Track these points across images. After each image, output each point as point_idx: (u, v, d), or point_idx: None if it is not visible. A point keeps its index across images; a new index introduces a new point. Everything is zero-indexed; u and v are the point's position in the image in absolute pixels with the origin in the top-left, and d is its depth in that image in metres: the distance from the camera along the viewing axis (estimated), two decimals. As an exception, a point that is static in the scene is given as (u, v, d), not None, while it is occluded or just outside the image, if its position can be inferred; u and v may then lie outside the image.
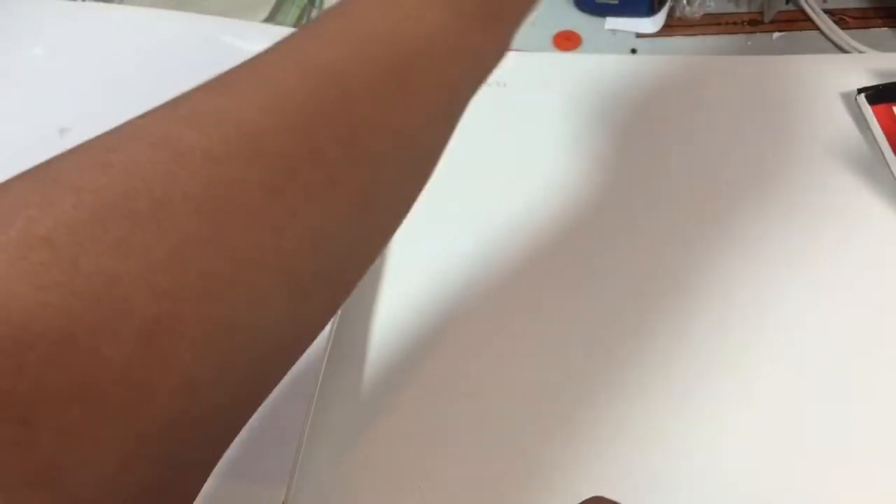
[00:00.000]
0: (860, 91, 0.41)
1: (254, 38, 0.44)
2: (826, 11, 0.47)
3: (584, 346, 0.35)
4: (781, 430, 0.32)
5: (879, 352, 0.34)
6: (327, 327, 0.33)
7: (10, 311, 0.15)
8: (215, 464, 0.19)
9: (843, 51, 0.45)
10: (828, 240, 0.37)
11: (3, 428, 0.14)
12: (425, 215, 0.39)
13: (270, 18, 0.49)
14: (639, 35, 0.47)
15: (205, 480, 0.19)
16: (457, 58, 0.24)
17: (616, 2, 0.47)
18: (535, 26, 0.48)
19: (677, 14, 0.47)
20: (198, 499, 0.30)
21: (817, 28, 0.47)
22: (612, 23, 0.48)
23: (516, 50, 0.47)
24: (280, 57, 0.21)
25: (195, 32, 0.45)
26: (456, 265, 0.37)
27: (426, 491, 0.31)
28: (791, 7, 0.48)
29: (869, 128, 0.41)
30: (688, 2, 0.47)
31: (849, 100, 0.42)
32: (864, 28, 0.46)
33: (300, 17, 0.50)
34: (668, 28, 0.47)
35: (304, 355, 0.32)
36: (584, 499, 0.21)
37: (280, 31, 0.45)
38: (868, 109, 0.41)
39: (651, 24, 0.48)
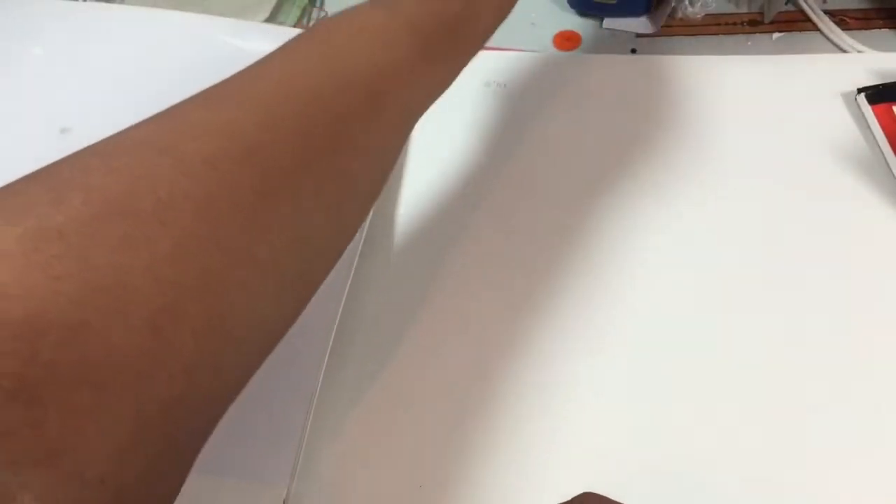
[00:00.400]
0: (860, 91, 0.41)
1: (254, 38, 0.45)
2: (826, 12, 0.47)
3: (585, 346, 0.35)
4: (781, 431, 0.32)
5: (880, 351, 0.34)
6: (329, 327, 0.33)
7: (27, 299, 0.16)
8: (199, 451, 0.21)
9: (842, 51, 0.46)
10: (828, 239, 0.37)
11: (14, 409, 0.15)
12: (425, 215, 0.39)
13: (271, 18, 0.49)
14: (638, 35, 0.47)
15: (191, 467, 0.20)
16: (421, 84, 0.27)
17: (614, 1, 0.47)
18: (535, 26, 0.48)
19: (678, 14, 0.47)
20: (199, 498, 0.30)
21: (817, 28, 0.47)
22: (611, 23, 0.48)
23: (516, 50, 0.47)
24: (272, 77, 0.24)
25: (195, 32, 0.45)
26: (456, 265, 0.38)
27: (427, 490, 0.31)
28: (791, 7, 0.48)
29: (869, 127, 0.41)
30: (689, 2, 0.47)
31: (849, 99, 0.42)
32: (864, 29, 0.47)
33: (301, 17, 0.50)
34: (668, 28, 0.47)
35: (305, 355, 0.33)
36: (576, 494, 0.22)
37: (280, 31, 0.45)
38: (868, 109, 0.41)
39: (650, 23, 0.48)
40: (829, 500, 0.30)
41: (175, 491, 0.20)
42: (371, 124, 0.25)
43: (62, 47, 0.44)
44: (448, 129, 0.43)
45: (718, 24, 0.48)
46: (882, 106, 0.41)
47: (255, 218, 0.21)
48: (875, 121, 0.40)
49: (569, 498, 0.22)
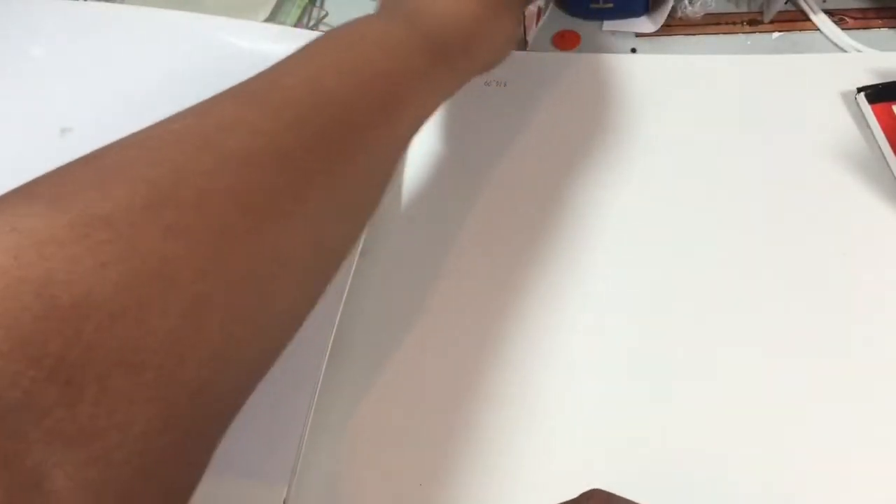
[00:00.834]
0: (860, 90, 0.42)
1: (254, 37, 0.45)
2: (826, 11, 0.47)
3: (587, 346, 0.35)
4: (781, 431, 0.32)
5: (880, 351, 0.34)
6: (329, 327, 0.33)
7: (73, 283, 0.16)
8: (220, 440, 0.21)
9: (842, 50, 0.46)
10: (828, 239, 0.37)
11: (51, 388, 0.15)
12: (425, 214, 0.39)
13: (271, 18, 0.49)
14: (638, 35, 0.47)
15: (212, 455, 0.21)
16: (432, 96, 0.30)
17: (611, 5, 0.47)
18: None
19: (678, 14, 0.47)
20: (199, 498, 0.30)
21: (817, 28, 0.47)
22: (610, 25, 0.48)
23: (515, 50, 0.47)
24: (299, 80, 0.25)
25: (195, 32, 0.45)
26: (455, 264, 0.38)
27: (427, 490, 0.31)
28: (790, 7, 0.48)
29: (868, 127, 0.41)
30: (689, 2, 0.47)
31: (848, 99, 0.42)
32: (864, 28, 0.47)
33: (301, 17, 0.50)
34: (668, 28, 0.47)
35: (305, 355, 0.33)
36: (582, 491, 0.22)
37: (281, 31, 0.45)
38: (868, 108, 0.41)
39: (650, 23, 0.48)
40: (828, 499, 0.30)
41: (196, 479, 0.20)
42: (384, 131, 0.26)
43: (62, 47, 0.44)
44: (448, 128, 0.43)
45: (718, 24, 0.48)
46: (882, 105, 0.41)
47: (286, 214, 0.22)
48: (875, 120, 0.40)
49: (574, 495, 0.22)
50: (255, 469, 0.30)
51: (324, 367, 0.33)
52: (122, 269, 0.17)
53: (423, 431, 0.33)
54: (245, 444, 0.31)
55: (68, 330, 0.16)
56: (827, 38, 0.46)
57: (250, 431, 0.31)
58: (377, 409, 0.33)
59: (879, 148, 0.40)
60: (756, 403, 0.33)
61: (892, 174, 0.39)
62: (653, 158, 0.41)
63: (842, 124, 0.41)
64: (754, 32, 0.47)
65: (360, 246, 0.36)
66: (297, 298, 0.23)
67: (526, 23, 0.45)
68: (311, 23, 0.50)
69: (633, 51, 0.47)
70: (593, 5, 0.47)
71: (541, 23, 0.47)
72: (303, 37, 0.45)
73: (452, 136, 0.42)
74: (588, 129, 0.42)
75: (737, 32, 0.47)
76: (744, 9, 0.48)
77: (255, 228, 0.20)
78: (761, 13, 0.48)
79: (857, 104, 0.41)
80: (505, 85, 0.44)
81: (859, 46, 0.45)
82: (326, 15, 0.51)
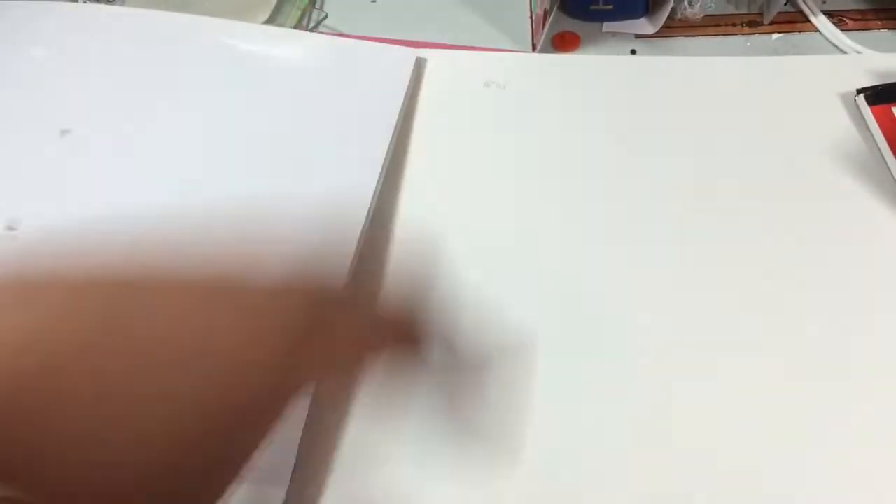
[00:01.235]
0: (859, 91, 0.42)
1: (254, 39, 0.45)
2: (825, 13, 0.47)
3: (587, 346, 0.35)
4: (781, 430, 0.32)
5: (879, 351, 0.34)
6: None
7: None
8: None
9: (842, 52, 0.46)
10: (827, 239, 0.37)
11: None
12: (426, 215, 0.39)
13: (271, 20, 0.49)
14: (638, 36, 0.48)
15: None
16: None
17: (611, 7, 0.47)
18: (535, 27, 0.48)
19: (678, 15, 0.47)
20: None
21: (816, 29, 0.47)
22: (610, 26, 0.48)
23: (516, 51, 0.47)
24: None
25: (195, 34, 0.45)
26: (456, 264, 0.38)
27: (427, 489, 0.31)
28: (790, 8, 0.48)
29: (868, 128, 0.41)
30: (689, 3, 0.47)
31: (848, 100, 0.42)
32: (863, 29, 0.47)
33: (300, 19, 0.50)
34: (668, 29, 0.47)
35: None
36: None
37: (280, 33, 0.45)
38: (867, 110, 0.41)
39: (649, 24, 0.48)
40: (825, 499, 0.30)
41: None
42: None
43: (62, 49, 0.44)
44: (448, 129, 0.43)
45: (718, 25, 0.48)
46: (881, 107, 0.41)
47: None
48: (874, 121, 0.40)
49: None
50: (255, 470, 0.30)
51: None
52: None
53: (423, 432, 0.33)
54: (245, 445, 0.31)
55: None
56: (826, 39, 0.46)
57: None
58: (377, 408, 0.33)
59: (879, 149, 0.40)
60: (756, 404, 0.33)
61: (892, 175, 0.39)
62: (652, 159, 0.41)
63: (841, 126, 0.41)
64: (754, 34, 0.47)
65: (359, 246, 0.36)
66: None
67: (533, 26, 0.45)
68: (311, 24, 0.50)
69: (633, 52, 0.47)
70: (593, 7, 0.48)
71: (547, 25, 0.48)
72: (302, 38, 0.46)
73: (452, 136, 0.42)
74: (588, 130, 0.42)
75: (736, 34, 0.47)
76: (743, 10, 0.49)
77: None
78: (761, 15, 0.48)
79: (857, 105, 0.41)
80: (505, 86, 0.44)
81: (859, 48, 0.45)
82: (326, 17, 0.51)
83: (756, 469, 0.31)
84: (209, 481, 0.22)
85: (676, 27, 0.48)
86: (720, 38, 0.47)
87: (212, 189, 0.38)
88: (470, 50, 0.47)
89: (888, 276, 0.36)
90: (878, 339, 0.34)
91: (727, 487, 0.31)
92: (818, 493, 0.31)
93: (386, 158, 0.39)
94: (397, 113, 0.41)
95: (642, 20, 0.48)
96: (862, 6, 0.48)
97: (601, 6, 0.47)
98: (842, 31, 0.46)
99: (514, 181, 0.40)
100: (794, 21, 0.48)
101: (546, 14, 0.47)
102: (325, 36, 0.46)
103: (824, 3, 0.48)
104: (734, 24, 0.48)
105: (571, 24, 0.49)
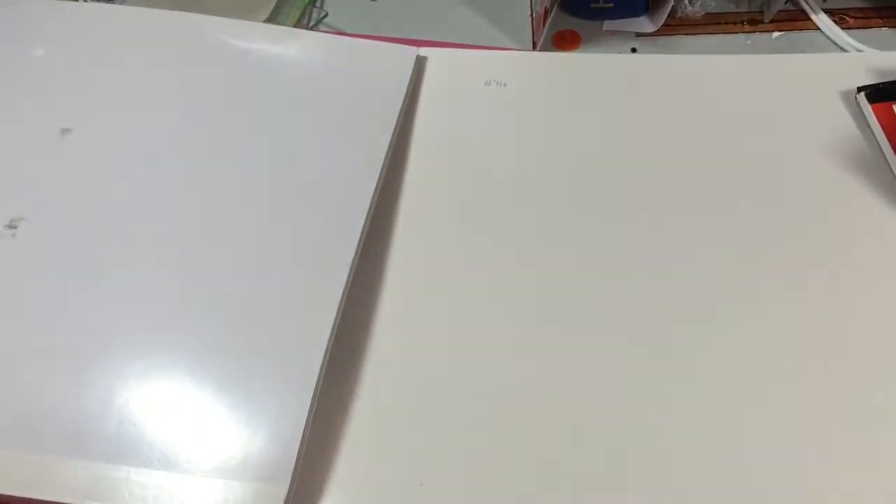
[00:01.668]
0: (860, 89, 0.42)
1: (254, 38, 0.45)
2: (826, 11, 0.47)
3: (586, 347, 0.35)
4: (781, 431, 0.32)
5: (879, 351, 0.34)
6: (329, 326, 0.33)
7: None
8: None
9: (842, 50, 0.46)
10: (827, 238, 0.37)
11: None
12: (426, 215, 0.39)
13: (271, 19, 0.49)
14: (638, 34, 0.47)
15: None
16: None
17: (612, 5, 0.47)
18: (536, 26, 0.48)
19: (678, 14, 0.47)
20: (199, 498, 0.30)
21: (817, 27, 0.47)
22: (611, 25, 0.48)
23: (516, 50, 0.47)
24: None
25: (195, 33, 0.45)
26: (456, 264, 0.38)
27: (427, 490, 0.31)
28: (791, 7, 0.48)
29: (868, 126, 0.41)
30: (689, 1, 0.47)
31: (848, 98, 0.42)
32: (864, 27, 0.47)
33: (301, 18, 0.50)
34: (669, 27, 0.47)
35: (304, 355, 0.33)
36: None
37: (281, 32, 0.45)
38: (868, 108, 0.41)
39: (650, 23, 0.48)
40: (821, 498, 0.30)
41: None
42: None
43: (62, 48, 0.44)
44: (448, 128, 0.43)
45: (718, 24, 0.48)
46: (882, 105, 0.41)
47: None
48: (875, 119, 0.40)
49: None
50: (255, 469, 0.30)
51: (323, 367, 0.33)
52: None
53: (423, 431, 0.33)
54: (246, 443, 0.31)
55: None
56: (827, 37, 0.46)
57: (251, 431, 0.31)
58: (377, 408, 0.33)
59: (879, 147, 0.40)
60: (756, 405, 0.33)
61: (892, 173, 0.39)
62: (652, 157, 0.41)
63: (842, 123, 0.41)
64: (754, 32, 0.47)
65: (360, 246, 0.36)
66: None
67: (534, 25, 0.45)
68: (311, 23, 0.50)
69: (634, 50, 0.47)
70: (594, 5, 0.48)
71: (548, 23, 0.48)
72: (302, 37, 0.46)
73: (453, 135, 0.42)
74: (588, 128, 0.42)
75: (737, 32, 0.47)
76: (744, 8, 0.49)
77: None
78: (761, 13, 0.48)
79: (858, 103, 0.41)
80: (505, 85, 0.44)
81: (859, 46, 0.45)
82: (326, 15, 0.51)
83: (756, 469, 0.31)
84: None
85: (677, 25, 0.48)
86: (721, 37, 0.47)
87: (211, 189, 0.38)
88: (470, 48, 0.47)
89: (889, 274, 0.36)
90: (879, 338, 0.34)
91: (728, 488, 0.31)
92: (819, 494, 0.31)
93: (386, 157, 0.39)
94: (398, 111, 0.41)
95: (643, 18, 0.48)
96: (863, 4, 0.48)
97: (602, 4, 0.47)
98: (843, 29, 0.46)
99: (514, 179, 0.40)
100: (795, 19, 0.48)
101: (546, 12, 0.47)
102: (325, 35, 0.46)
103: (825, 1, 0.48)
104: (735, 23, 0.48)
105: (572, 23, 0.49)
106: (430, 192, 0.40)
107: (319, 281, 0.35)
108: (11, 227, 0.37)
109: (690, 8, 0.47)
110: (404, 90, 0.42)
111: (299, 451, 0.31)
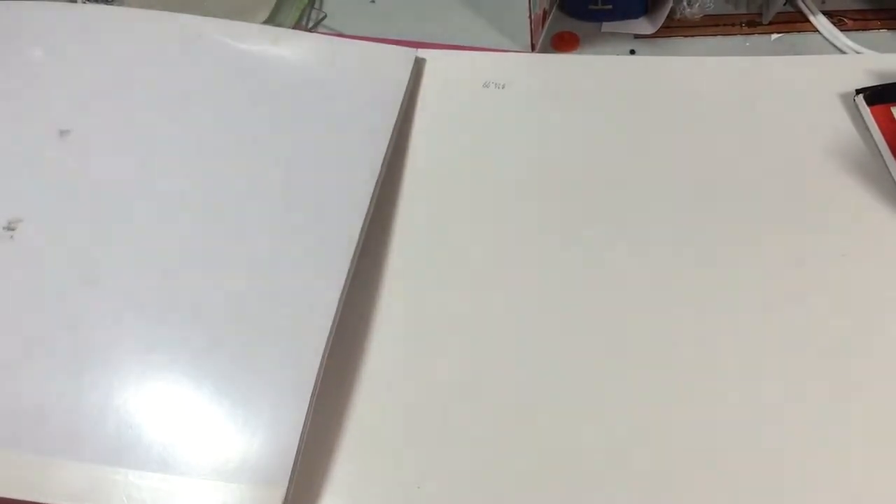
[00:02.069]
0: (858, 91, 0.42)
1: (253, 39, 0.45)
2: (824, 13, 0.47)
3: (586, 348, 0.35)
4: (780, 433, 0.32)
5: (879, 352, 0.34)
6: (326, 327, 0.34)
7: None
8: None
9: (841, 52, 0.46)
10: (826, 239, 0.37)
11: None
12: (427, 216, 0.40)
13: (270, 20, 0.49)
14: (637, 36, 0.48)
15: None
16: None
17: (610, 7, 0.47)
18: (534, 27, 0.48)
19: (677, 15, 0.47)
20: (199, 499, 0.30)
21: (816, 29, 0.47)
22: (609, 26, 0.48)
23: (515, 51, 0.47)
24: None
25: (194, 34, 0.45)
26: (457, 264, 0.38)
27: (426, 491, 0.31)
28: (789, 8, 0.48)
29: (867, 128, 0.41)
30: (688, 3, 0.47)
31: (847, 100, 0.42)
32: (863, 29, 0.47)
33: (300, 19, 0.50)
34: (667, 29, 0.47)
35: (304, 355, 0.33)
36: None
37: (279, 33, 0.45)
38: (866, 110, 0.41)
39: (648, 24, 0.48)
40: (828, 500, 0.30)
41: None
42: None
43: (61, 49, 0.44)
44: (447, 129, 0.43)
45: (717, 25, 0.48)
46: (880, 107, 0.41)
47: None
48: (873, 122, 0.40)
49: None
50: (255, 469, 0.30)
51: (323, 366, 0.33)
52: None
53: (422, 432, 0.33)
54: (245, 444, 0.31)
55: None
56: (826, 39, 0.46)
57: (250, 432, 0.31)
58: (377, 409, 0.33)
59: (878, 149, 0.40)
60: (756, 405, 0.33)
61: (891, 176, 0.39)
62: (650, 159, 0.41)
63: (840, 126, 0.41)
64: (753, 34, 0.47)
65: (359, 246, 0.36)
66: None
67: (532, 26, 0.45)
68: (310, 24, 0.50)
69: (632, 52, 0.47)
70: (592, 7, 0.48)
71: (546, 25, 0.48)
72: (301, 38, 0.46)
73: (452, 137, 0.42)
74: (587, 130, 0.42)
75: (735, 34, 0.47)
76: (742, 10, 0.49)
77: None
78: (760, 14, 0.48)
79: (856, 105, 0.41)
80: (504, 86, 0.44)
81: (858, 48, 0.45)
82: (325, 17, 0.51)
83: (757, 469, 0.31)
84: None
85: (675, 27, 0.48)
86: (719, 38, 0.47)
87: (210, 189, 0.38)
88: (469, 50, 0.47)
89: (888, 275, 0.36)
90: (879, 340, 0.34)
91: (727, 488, 0.31)
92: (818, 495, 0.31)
93: (385, 158, 0.39)
94: (396, 113, 0.41)
95: (641, 20, 0.48)
96: (861, 6, 0.48)
97: (600, 6, 0.47)
98: (841, 31, 0.46)
99: (513, 181, 0.40)
100: (794, 21, 0.48)
101: (545, 14, 0.47)
102: (324, 36, 0.46)
103: (823, 3, 0.48)
104: (733, 24, 0.48)
105: (570, 24, 0.49)
106: (429, 193, 0.40)
107: (318, 282, 0.35)
108: (10, 228, 0.37)
109: (689, 10, 0.47)
110: (403, 91, 0.42)
111: (297, 453, 0.31)
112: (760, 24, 0.48)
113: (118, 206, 0.38)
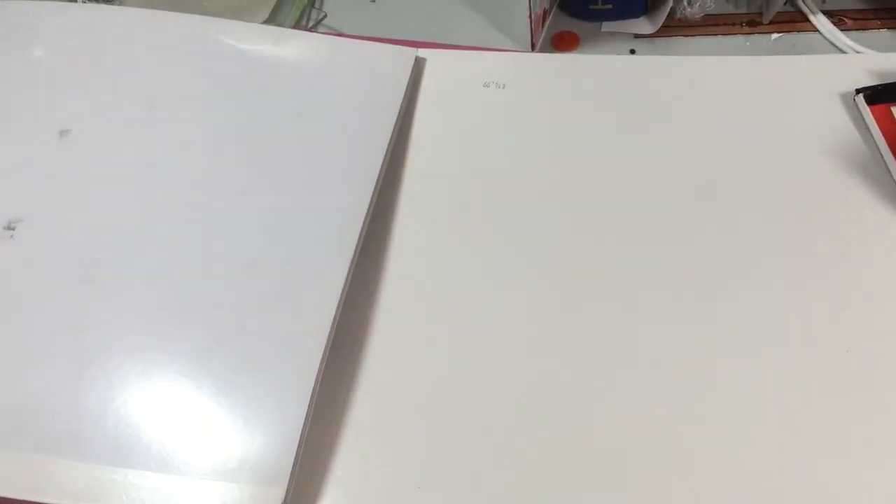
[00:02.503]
0: (858, 91, 0.42)
1: (253, 39, 0.45)
2: (824, 12, 0.47)
3: (585, 348, 0.35)
4: (782, 431, 0.32)
5: (880, 353, 0.34)
6: (326, 327, 0.34)
7: None
8: None
9: (841, 51, 0.46)
10: (826, 239, 0.37)
11: None
12: (426, 216, 0.40)
13: (270, 20, 0.49)
14: (637, 36, 0.48)
15: None
16: None
17: (610, 7, 0.47)
18: (534, 27, 0.48)
19: (677, 15, 0.47)
20: (198, 499, 0.30)
21: (816, 29, 0.47)
22: (609, 26, 0.48)
23: (516, 50, 0.47)
24: None
25: (195, 33, 0.45)
26: (456, 265, 0.38)
27: (425, 491, 0.31)
28: (789, 8, 0.48)
29: (867, 128, 0.41)
30: (688, 3, 0.47)
31: (847, 100, 0.42)
32: (863, 29, 0.47)
33: (300, 19, 0.50)
34: (667, 29, 0.47)
35: (303, 355, 0.33)
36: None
37: (279, 33, 0.45)
38: (866, 109, 0.41)
39: (649, 24, 0.48)
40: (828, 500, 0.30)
41: None
42: None
43: (61, 49, 0.44)
44: (447, 129, 0.43)
45: (717, 25, 0.48)
46: (880, 107, 0.41)
47: None
48: (873, 121, 0.40)
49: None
50: (255, 469, 0.30)
51: (322, 367, 0.33)
52: None
53: (422, 433, 0.33)
54: (245, 444, 0.31)
55: None
56: (826, 39, 0.46)
57: (250, 432, 0.31)
58: (376, 409, 0.33)
59: (878, 149, 0.40)
60: (755, 406, 0.33)
61: (891, 175, 0.39)
62: (651, 159, 0.41)
63: (840, 125, 0.41)
64: (753, 33, 0.47)
65: (359, 246, 0.36)
66: None
67: (533, 26, 0.45)
68: (310, 24, 0.50)
69: (632, 52, 0.47)
70: (592, 6, 0.48)
71: (546, 25, 0.48)
72: (301, 38, 0.46)
73: (452, 136, 0.42)
74: (587, 130, 0.42)
75: (736, 33, 0.47)
76: (743, 10, 0.49)
77: None
78: (760, 14, 0.48)
79: (856, 105, 0.41)
80: (504, 86, 0.44)
81: (858, 47, 0.45)
82: (325, 16, 0.51)
83: (756, 470, 0.31)
84: None
85: (676, 27, 0.48)
86: (719, 38, 0.47)
87: (210, 189, 0.38)
88: (469, 50, 0.47)
89: (888, 275, 0.36)
90: (879, 340, 0.34)
91: (728, 488, 0.31)
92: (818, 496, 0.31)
93: (385, 158, 0.39)
94: (396, 113, 0.41)
95: (641, 20, 0.48)
96: (861, 6, 0.48)
97: (600, 6, 0.47)
98: (841, 30, 0.46)
99: (513, 180, 0.40)
100: (794, 20, 0.48)
101: (545, 14, 0.47)
102: (324, 35, 0.46)
103: (824, 2, 0.48)
104: (733, 24, 0.48)
105: (570, 24, 0.49)
106: (429, 193, 0.40)
107: (317, 282, 0.35)
108: (10, 228, 0.37)
109: (689, 9, 0.47)
110: (403, 91, 0.42)
111: (297, 453, 0.31)
112: (760, 23, 0.48)
113: (118, 206, 0.38)
